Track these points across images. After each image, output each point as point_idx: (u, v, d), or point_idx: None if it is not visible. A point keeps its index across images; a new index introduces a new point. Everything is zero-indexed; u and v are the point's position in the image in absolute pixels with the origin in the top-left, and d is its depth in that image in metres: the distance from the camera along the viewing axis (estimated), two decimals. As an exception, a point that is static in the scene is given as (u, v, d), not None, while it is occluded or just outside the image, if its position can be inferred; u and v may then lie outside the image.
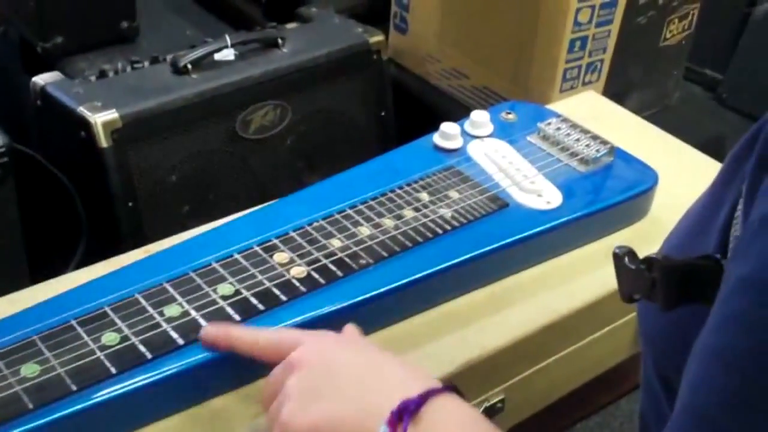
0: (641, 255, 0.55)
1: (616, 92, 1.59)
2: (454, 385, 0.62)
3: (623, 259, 0.55)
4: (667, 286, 0.52)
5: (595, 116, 1.12)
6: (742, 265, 0.45)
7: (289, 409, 0.61)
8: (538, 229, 0.89)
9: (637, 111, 1.28)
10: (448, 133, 0.98)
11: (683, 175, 1.04)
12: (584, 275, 0.91)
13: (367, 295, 0.79)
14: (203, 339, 0.71)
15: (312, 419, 0.61)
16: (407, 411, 0.58)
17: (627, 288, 0.56)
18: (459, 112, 1.04)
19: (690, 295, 0.52)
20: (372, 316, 0.78)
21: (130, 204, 1.38)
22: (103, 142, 1.34)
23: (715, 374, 0.45)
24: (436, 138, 0.98)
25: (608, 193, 0.96)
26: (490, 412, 0.84)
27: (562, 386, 0.92)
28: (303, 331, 0.70)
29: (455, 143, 0.98)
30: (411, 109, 1.76)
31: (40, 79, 1.42)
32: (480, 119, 1.01)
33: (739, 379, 0.44)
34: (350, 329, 0.71)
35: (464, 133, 1.00)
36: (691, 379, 0.47)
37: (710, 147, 1.19)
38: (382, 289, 0.79)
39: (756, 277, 0.43)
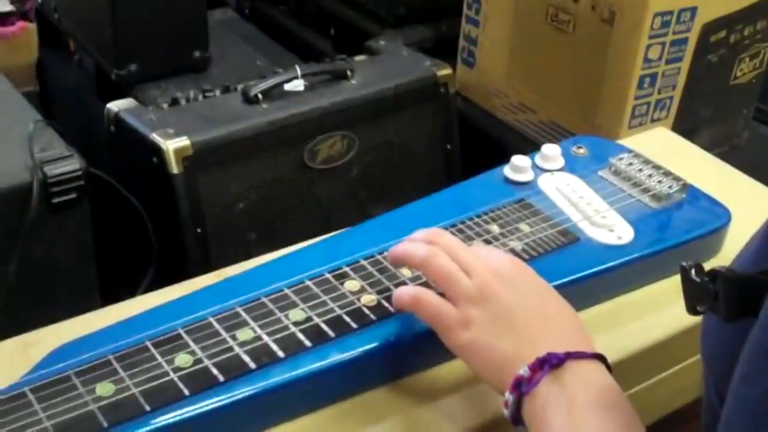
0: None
1: (684, 130, 1.58)
2: (604, 356, 0.70)
3: (690, 271, 0.57)
4: (728, 297, 0.54)
5: (665, 153, 1.11)
6: None
7: (470, 332, 0.71)
8: (609, 264, 0.88)
9: (706, 149, 1.26)
10: (519, 166, 0.98)
11: (755, 214, 1.02)
12: (654, 313, 0.90)
13: (437, 326, 0.78)
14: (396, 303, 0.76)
15: (476, 338, 0.71)
16: (549, 362, 0.67)
17: (691, 300, 0.58)
18: (526, 147, 1.04)
19: (750, 307, 0.52)
20: (439, 346, 0.78)
21: (199, 230, 1.40)
22: (174, 168, 1.36)
23: (763, 369, 0.47)
24: (507, 170, 0.98)
25: (680, 229, 0.95)
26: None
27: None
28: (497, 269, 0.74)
29: (526, 176, 0.98)
30: (478, 143, 1.76)
31: (114, 106, 1.46)
32: (551, 153, 1.01)
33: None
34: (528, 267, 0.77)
35: (535, 166, 1.00)
36: (742, 369, 0.49)
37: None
38: (452, 320, 0.79)
39: None
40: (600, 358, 0.70)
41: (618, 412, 0.66)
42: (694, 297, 0.57)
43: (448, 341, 0.73)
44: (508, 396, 0.68)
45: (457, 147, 1.69)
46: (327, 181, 1.55)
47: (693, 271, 0.57)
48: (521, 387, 0.67)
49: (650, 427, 0.93)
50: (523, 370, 0.67)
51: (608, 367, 0.70)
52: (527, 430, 0.68)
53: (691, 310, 0.58)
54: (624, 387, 0.87)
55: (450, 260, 0.74)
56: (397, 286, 0.80)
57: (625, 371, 0.85)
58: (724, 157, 1.27)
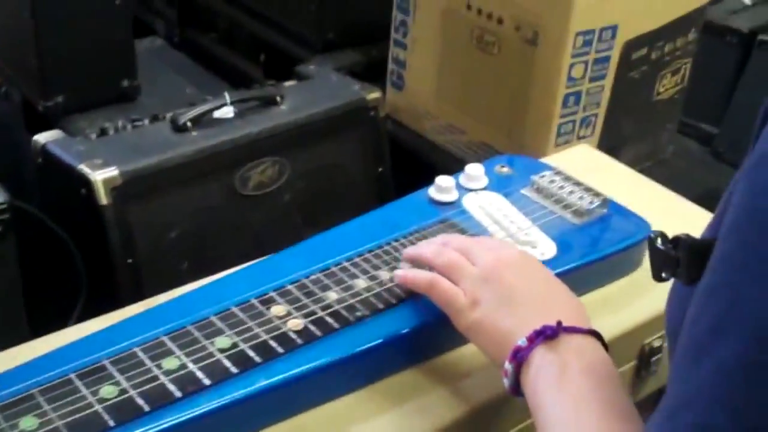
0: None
1: (610, 146, 1.61)
2: (599, 333, 0.75)
3: (655, 240, 0.62)
4: (689, 262, 0.58)
5: (589, 169, 1.13)
6: (730, 215, 0.51)
7: (478, 312, 0.77)
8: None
9: (632, 164, 1.29)
10: (443, 186, 0.99)
11: (677, 227, 1.04)
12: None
13: (363, 347, 0.79)
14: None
15: (482, 318, 0.77)
16: (543, 333, 0.72)
17: (657, 267, 0.63)
18: (456, 167, 1.05)
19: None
20: (367, 367, 0.79)
21: (129, 260, 1.39)
22: (103, 199, 1.35)
23: (701, 305, 0.52)
24: (432, 191, 1.00)
25: (602, 244, 0.97)
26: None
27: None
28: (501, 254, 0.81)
29: (450, 196, 0.99)
30: (409, 164, 1.77)
31: (41, 138, 1.44)
32: (475, 172, 1.02)
33: (721, 310, 0.50)
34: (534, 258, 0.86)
35: (459, 186, 1.01)
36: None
37: (705, 200, 1.20)
38: (378, 341, 0.80)
39: (739, 224, 0.50)
40: (595, 334, 0.75)
41: (608, 382, 0.70)
42: (660, 264, 0.62)
43: (458, 323, 0.79)
44: (507, 366, 0.73)
45: (389, 170, 1.70)
46: (259, 208, 1.55)
47: (658, 240, 0.62)
48: (518, 355, 0.72)
49: None
50: (521, 341, 0.72)
51: (604, 345, 0.75)
52: (526, 401, 0.71)
53: (657, 276, 0.63)
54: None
55: (458, 254, 0.81)
56: (323, 309, 0.81)
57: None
58: (649, 171, 1.30)
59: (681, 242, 0.59)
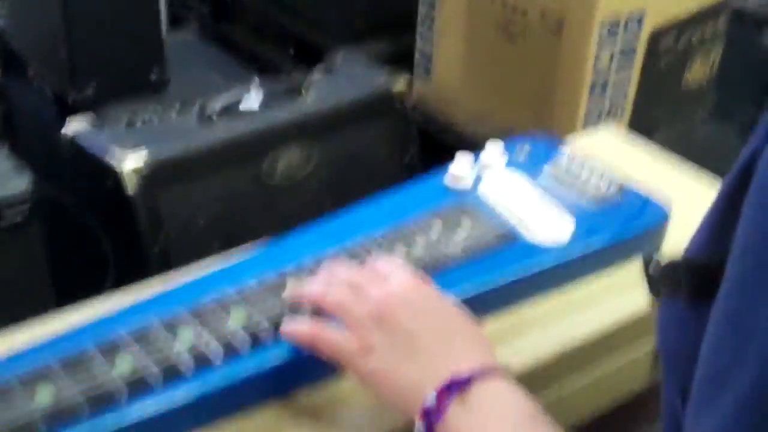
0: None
1: (639, 131, 1.60)
2: (505, 367, 0.69)
3: (648, 266, 0.60)
4: (691, 287, 0.55)
5: (615, 150, 1.13)
6: (743, 234, 0.48)
7: (373, 360, 0.70)
8: (546, 264, 0.90)
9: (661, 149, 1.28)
10: (460, 167, 0.99)
11: (704, 206, 1.04)
12: (594, 306, 0.92)
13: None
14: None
15: (378, 366, 0.70)
16: (454, 387, 0.66)
17: (654, 290, 0.61)
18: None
19: (712, 290, 0.53)
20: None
21: (158, 249, 1.41)
22: (131, 188, 1.37)
23: (720, 333, 0.49)
24: (448, 171, 1.00)
25: (618, 228, 0.97)
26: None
27: (574, 415, 0.93)
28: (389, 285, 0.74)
29: (467, 177, 1.00)
30: (436, 154, 1.78)
31: (70, 129, 1.47)
32: (493, 152, 1.03)
33: (741, 336, 0.47)
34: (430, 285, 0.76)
35: (477, 166, 1.02)
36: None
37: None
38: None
39: (755, 245, 0.47)
40: (504, 372, 0.69)
41: (533, 423, 0.66)
42: (656, 288, 0.60)
43: (352, 373, 0.72)
44: (419, 424, 0.66)
45: (417, 158, 1.71)
46: (286, 197, 1.56)
47: (652, 266, 0.60)
48: (430, 417, 0.66)
49: (590, 422, 0.96)
50: (430, 398, 0.66)
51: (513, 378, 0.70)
52: None
53: (655, 294, 0.61)
54: (567, 379, 0.90)
55: (346, 290, 0.74)
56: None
57: (566, 363, 0.88)
58: (680, 155, 1.28)
59: (679, 267, 0.57)
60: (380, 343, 0.70)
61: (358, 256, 0.86)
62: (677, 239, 0.97)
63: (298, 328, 0.74)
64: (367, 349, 0.70)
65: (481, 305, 0.87)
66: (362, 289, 0.73)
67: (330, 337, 0.72)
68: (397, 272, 0.76)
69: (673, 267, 0.57)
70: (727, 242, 0.54)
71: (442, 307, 0.74)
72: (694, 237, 0.61)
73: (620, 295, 0.93)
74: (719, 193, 0.58)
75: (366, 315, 0.71)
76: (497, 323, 0.88)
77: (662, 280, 0.58)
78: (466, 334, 0.72)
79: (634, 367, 0.96)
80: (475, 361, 0.68)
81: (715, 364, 0.49)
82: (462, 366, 0.68)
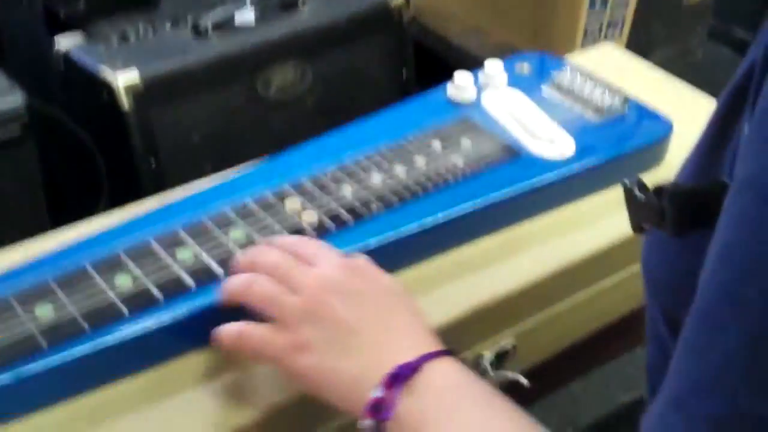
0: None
1: (638, 50, 1.58)
2: (450, 349, 0.64)
3: (632, 190, 0.55)
4: (676, 211, 0.52)
5: (613, 68, 1.12)
6: (742, 168, 0.45)
7: (307, 356, 0.64)
8: (550, 178, 0.89)
9: (660, 68, 1.26)
10: (461, 83, 0.98)
11: (702, 125, 1.03)
12: (597, 223, 0.91)
13: (376, 241, 0.79)
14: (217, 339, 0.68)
15: (315, 363, 0.63)
16: (401, 376, 0.61)
17: (637, 218, 0.56)
18: (480, 70, 1.04)
19: (699, 220, 0.50)
20: (381, 262, 0.79)
21: (152, 164, 1.40)
22: (125, 103, 1.36)
23: (715, 269, 0.45)
24: (450, 88, 0.99)
25: (621, 141, 0.96)
26: (502, 357, 0.85)
27: (574, 332, 0.93)
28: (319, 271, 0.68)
29: (469, 93, 0.98)
30: (433, 67, 1.76)
31: (63, 44, 1.45)
32: (494, 70, 1.01)
33: (738, 272, 0.44)
34: (363, 263, 0.70)
35: (478, 83, 1.00)
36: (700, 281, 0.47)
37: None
38: (392, 235, 0.80)
39: (755, 178, 0.43)
40: (448, 353, 0.64)
41: (491, 398, 0.62)
42: (639, 215, 0.55)
43: (285, 371, 0.66)
44: (367, 423, 0.61)
45: (413, 73, 1.69)
46: (282, 112, 1.55)
47: (636, 189, 0.55)
48: (380, 413, 0.61)
49: (598, 335, 0.96)
50: (377, 391, 0.61)
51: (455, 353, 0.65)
52: None
53: (637, 228, 0.56)
54: (568, 295, 0.90)
55: (272, 282, 0.67)
56: (337, 203, 0.81)
57: (568, 279, 0.88)
58: (677, 75, 1.27)
59: (665, 191, 0.53)
60: (316, 338, 0.63)
61: (354, 174, 0.85)
62: (673, 161, 0.96)
63: (223, 331, 0.67)
64: (300, 346, 0.64)
65: (488, 221, 0.87)
66: (290, 277, 0.66)
67: (255, 334, 0.66)
68: (325, 254, 0.69)
69: (658, 193, 0.53)
70: (718, 167, 0.53)
71: (378, 289, 0.67)
72: (686, 162, 0.59)
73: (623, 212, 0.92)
74: (711, 116, 0.56)
75: (297, 307, 0.65)
76: (496, 239, 0.87)
77: (645, 208, 0.54)
78: (405, 315, 0.67)
79: (631, 285, 0.95)
80: (418, 345, 0.63)
81: (716, 299, 0.45)
82: (406, 353, 0.62)
